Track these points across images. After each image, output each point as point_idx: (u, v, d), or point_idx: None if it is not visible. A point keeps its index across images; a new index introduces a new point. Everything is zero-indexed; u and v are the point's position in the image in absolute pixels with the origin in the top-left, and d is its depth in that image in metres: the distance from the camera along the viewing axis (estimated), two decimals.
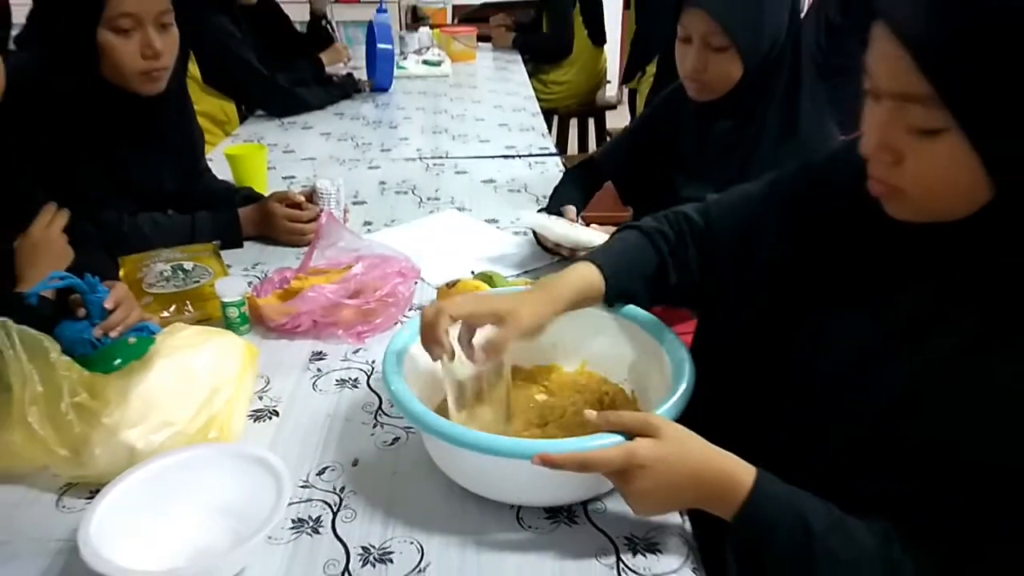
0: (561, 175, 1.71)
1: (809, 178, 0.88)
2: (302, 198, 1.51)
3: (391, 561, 0.77)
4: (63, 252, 1.10)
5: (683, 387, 0.81)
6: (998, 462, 0.64)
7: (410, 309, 1.25)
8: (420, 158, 2.07)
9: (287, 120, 2.44)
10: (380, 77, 2.75)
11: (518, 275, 1.37)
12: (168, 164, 1.48)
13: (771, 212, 0.90)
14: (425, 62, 3.15)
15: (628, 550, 0.77)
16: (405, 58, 3.16)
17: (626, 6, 4.06)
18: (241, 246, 1.49)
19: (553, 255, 1.40)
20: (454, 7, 4.72)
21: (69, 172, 1.29)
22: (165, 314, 1.17)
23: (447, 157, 2.08)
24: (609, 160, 1.63)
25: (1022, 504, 0.63)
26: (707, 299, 0.98)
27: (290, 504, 0.83)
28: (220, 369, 0.94)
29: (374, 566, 0.76)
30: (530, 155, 2.10)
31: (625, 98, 3.81)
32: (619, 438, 0.73)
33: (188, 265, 1.27)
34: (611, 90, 4.10)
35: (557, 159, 2.07)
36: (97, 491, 0.78)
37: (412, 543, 0.79)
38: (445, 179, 1.91)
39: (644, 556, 0.77)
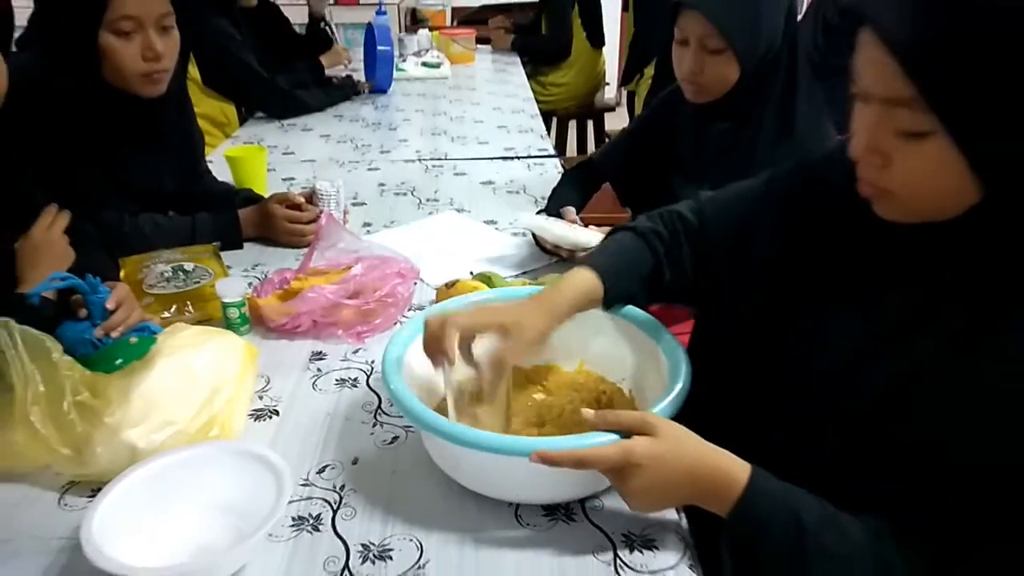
0: (560, 176, 1.72)
1: (805, 176, 0.89)
2: (302, 199, 1.51)
3: (390, 558, 0.77)
4: (64, 253, 1.10)
5: (679, 386, 0.82)
6: (987, 462, 0.65)
7: (409, 309, 1.25)
8: (419, 160, 2.08)
9: (287, 122, 2.45)
10: (379, 79, 2.75)
11: (517, 276, 1.38)
12: (168, 165, 1.49)
13: (767, 210, 0.90)
14: (424, 64, 3.15)
15: (625, 547, 0.78)
16: (404, 60, 3.16)
17: (625, 8, 4.06)
18: (241, 247, 1.49)
19: (552, 256, 1.41)
20: (453, 9, 4.74)
21: (70, 173, 1.30)
22: (166, 314, 1.18)
23: (446, 159, 2.09)
24: (607, 161, 1.64)
25: (1011, 504, 0.64)
26: (702, 297, 0.99)
27: (290, 502, 0.84)
28: (221, 369, 0.94)
29: (374, 563, 0.77)
30: (529, 157, 2.10)
31: (624, 100, 3.83)
32: (616, 436, 0.73)
33: (188, 266, 1.27)
34: (610, 92, 4.11)
35: (556, 160, 2.07)
36: (99, 490, 0.78)
37: (411, 540, 0.79)
38: (444, 180, 1.92)
39: (641, 553, 0.77)
